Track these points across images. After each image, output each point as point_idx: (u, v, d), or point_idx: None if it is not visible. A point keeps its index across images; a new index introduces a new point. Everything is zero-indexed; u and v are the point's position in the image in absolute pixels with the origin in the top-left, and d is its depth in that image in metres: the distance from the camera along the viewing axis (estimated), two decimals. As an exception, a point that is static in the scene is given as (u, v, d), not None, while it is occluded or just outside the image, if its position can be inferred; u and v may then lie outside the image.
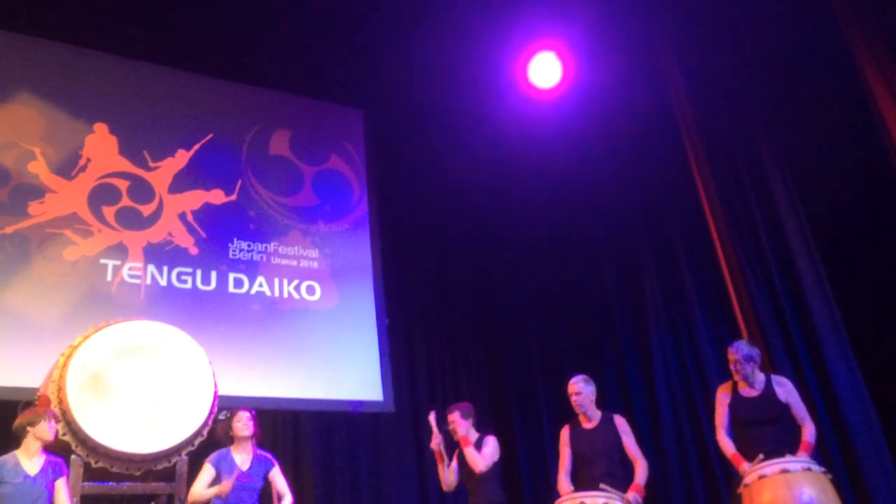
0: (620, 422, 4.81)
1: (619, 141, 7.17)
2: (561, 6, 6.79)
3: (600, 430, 4.77)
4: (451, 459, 5.03)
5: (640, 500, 4.49)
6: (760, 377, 4.54)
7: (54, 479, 4.12)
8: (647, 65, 6.85)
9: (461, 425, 4.92)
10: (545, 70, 7.11)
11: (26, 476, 4.01)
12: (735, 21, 6.15)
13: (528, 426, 7.34)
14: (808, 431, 4.36)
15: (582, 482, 4.63)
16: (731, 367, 4.56)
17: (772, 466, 3.98)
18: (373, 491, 6.61)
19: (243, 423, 4.64)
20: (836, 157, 5.60)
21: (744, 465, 4.24)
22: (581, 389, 4.82)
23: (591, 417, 4.83)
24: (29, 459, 4.07)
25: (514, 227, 8.00)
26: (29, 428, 4.08)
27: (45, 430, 4.07)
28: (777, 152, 5.95)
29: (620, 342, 6.89)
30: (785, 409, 4.43)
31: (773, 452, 4.14)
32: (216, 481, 4.47)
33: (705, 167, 6.21)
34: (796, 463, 3.99)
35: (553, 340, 7.52)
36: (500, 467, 4.92)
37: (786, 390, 4.50)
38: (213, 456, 4.59)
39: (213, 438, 4.74)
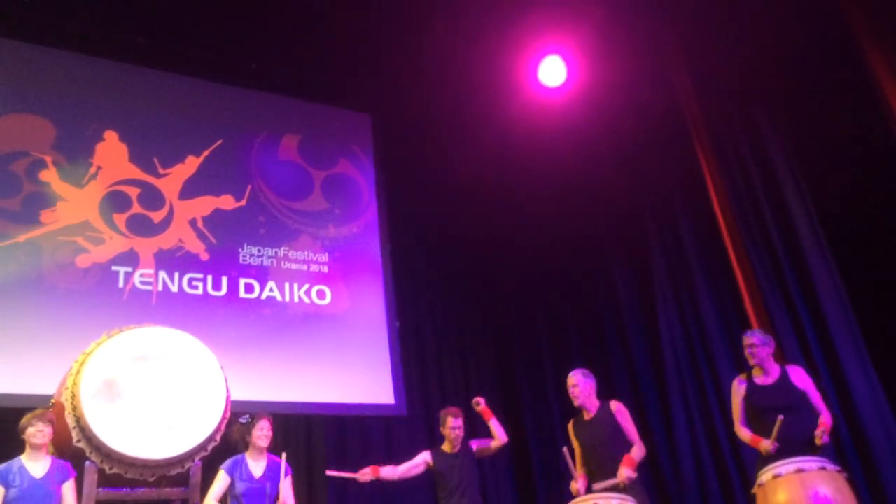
0: (617, 406, 4.88)
1: (627, 139, 7.13)
2: (567, 6, 6.78)
3: (599, 418, 4.86)
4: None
5: (632, 475, 4.53)
6: (775, 366, 4.53)
7: (61, 483, 4.15)
8: (654, 63, 6.82)
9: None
10: (553, 70, 7.11)
11: (32, 479, 4.04)
12: (741, 18, 6.13)
13: (539, 424, 7.35)
14: (826, 415, 4.34)
15: (594, 471, 4.73)
16: (747, 351, 4.54)
17: (786, 466, 3.96)
18: (385, 494, 6.60)
19: (263, 433, 4.68)
20: (844, 149, 5.56)
21: (764, 443, 4.24)
22: (578, 382, 4.93)
23: (590, 409, 4.92)
24: (34, 463, 4.10)
25: (523, 229, 7.98)
26: (23, 434, 4.13)
27: (32, 434, 4.11)
28: (785, 146, 5.93)
29: (630, 340, 6.88)
30: (801, 396, 4.40)
31: (790, 442, 4.14)
32: (231, 488, 4.50)
33: (713, 163, 6.18)
34: (811, 462, 3.97)
35: (563, 340, 7.52)
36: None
37: (801, 378, 4.48)
38: (228, 463, 4.63)
39: (229, 442, 4.76)
